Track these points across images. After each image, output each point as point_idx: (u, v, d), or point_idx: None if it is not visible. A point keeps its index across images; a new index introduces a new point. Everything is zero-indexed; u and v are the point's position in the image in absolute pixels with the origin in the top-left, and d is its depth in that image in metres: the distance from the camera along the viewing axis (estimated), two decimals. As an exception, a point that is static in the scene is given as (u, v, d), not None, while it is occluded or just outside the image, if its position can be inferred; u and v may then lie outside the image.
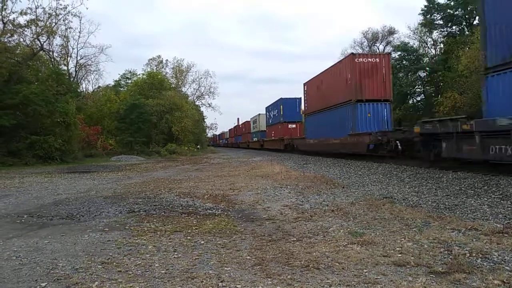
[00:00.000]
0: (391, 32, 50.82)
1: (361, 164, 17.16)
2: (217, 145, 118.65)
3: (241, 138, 69.42)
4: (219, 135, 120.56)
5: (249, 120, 59.99)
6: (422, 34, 43.22)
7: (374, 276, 3.72)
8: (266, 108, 45.69)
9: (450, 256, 4.19)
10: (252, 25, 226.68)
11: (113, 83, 57.52)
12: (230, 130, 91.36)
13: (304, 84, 29.81)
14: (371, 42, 52.97)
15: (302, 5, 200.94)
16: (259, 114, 50.01)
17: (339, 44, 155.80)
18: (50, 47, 36.35)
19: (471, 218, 6.14)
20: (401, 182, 10.86)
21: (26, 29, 29.47)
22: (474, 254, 4.22)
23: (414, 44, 44.26)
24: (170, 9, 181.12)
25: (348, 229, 5.61)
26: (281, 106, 37.62)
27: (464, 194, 8.35)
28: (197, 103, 64.17)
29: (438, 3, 39.74)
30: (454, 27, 39.90)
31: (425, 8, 40.47)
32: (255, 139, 53.55)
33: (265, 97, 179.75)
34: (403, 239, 4.96)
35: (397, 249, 4.55)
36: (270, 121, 43.34)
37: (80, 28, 50.13)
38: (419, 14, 41.55)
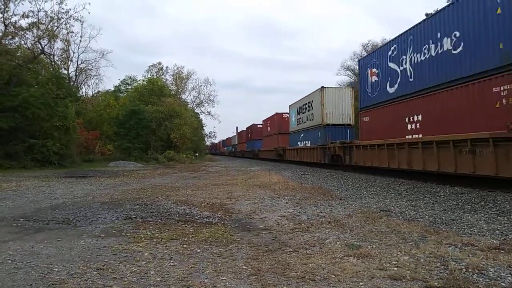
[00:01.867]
0: (392, 45, 51.12)
1: (358, 177, 17.17)
2: (220, 153, 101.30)
3: (260, 144, 47.33)
4: (223, 141, 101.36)
5: (284, 112, 36.46)
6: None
7: (370, 289, 3.71)
8: (368, 57, 19.72)
9: (446, 271, 4.19)
10: (252, 34, 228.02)
11: (113, 88, 57.69)
12: (239, 133, 68.75)
13: None
14: (371, 55, 53.24)
15: (303, 16, 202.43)
16: (323, 88, 24.61)
17: (339, 55, 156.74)
18: (51, 50, 36.58)
19: (467, 233, 6.14)
20: (398, 196, 10.88)
21: (27, 32, 29.66)
22: (470, 270, 4.22)
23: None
24: (172, 16, 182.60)
25: (345, 241, 5.61)
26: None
27: (461, 209, 8.36)
28: (196, 110, 64.30)
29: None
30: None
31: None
32: (304, 143, 28.39)
33: (264, 107, 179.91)
34: (399, 252, 4.96)
35: (393, 262, 4.54)
36: (402, 82, 15.29)
37: (81, 33, 50.61)
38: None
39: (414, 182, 13.56)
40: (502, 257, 4.67)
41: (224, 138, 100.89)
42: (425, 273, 4.15)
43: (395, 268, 4.32)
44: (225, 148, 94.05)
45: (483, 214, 7.69)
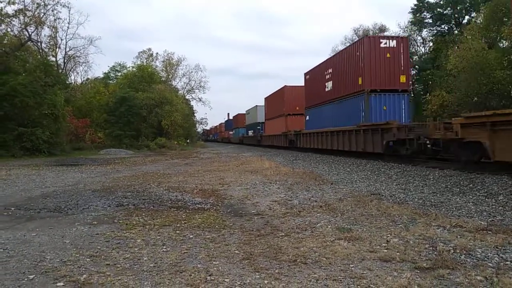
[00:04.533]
0: (382, 29, 50.95)
1: (349, 161, 17.28)
2: (223, 140, 76.46)
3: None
4: (226, 122, 75.32)
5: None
6: (412, 32, 43.58)
7: (360, 271, 3.78)
8: None
9: (435, 252, 4.28)
10: (244, 20, 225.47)
11: (102, 76, 57.03)
12: (270, 98, 38.40)
13: None
14: (362, 39, 53.15)
15: (296, 1, 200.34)
16: None
17: (331, 40, 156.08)
18: (38, 37, 35.91)
19: (456, 215, 6.25)
20: (388, 179, 10.99)
21: (14, 19, 29.17)
22: (458, 251, 4.31)
23: (404, 42, 44.31)
24: (162, 1, 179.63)
25: (336, 225, 5.68)
26: None
27: (449, 192, 8.48)
28: (187, 97, 63.91)
29: (428, 1, 40.13)
30: (443, 26, 40.28)
31: (415, 7, 40.82)
32: None
33: (256, 93, 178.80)
34: (389, 235, 5.04)
35: (383, 245, 4.62)
36: None
37: (69, 19, 49.61)
38: (409, 12, 41.94)
39: (404, 166, 13.69)
40: (489, 238, 4.76)
41: (229, 118, 72.28)
42: (414, 255, 4.23)
43: (385, 250, 4.40)
44: (231, 133, 64.96)
45: (471, 196, 7.81)
